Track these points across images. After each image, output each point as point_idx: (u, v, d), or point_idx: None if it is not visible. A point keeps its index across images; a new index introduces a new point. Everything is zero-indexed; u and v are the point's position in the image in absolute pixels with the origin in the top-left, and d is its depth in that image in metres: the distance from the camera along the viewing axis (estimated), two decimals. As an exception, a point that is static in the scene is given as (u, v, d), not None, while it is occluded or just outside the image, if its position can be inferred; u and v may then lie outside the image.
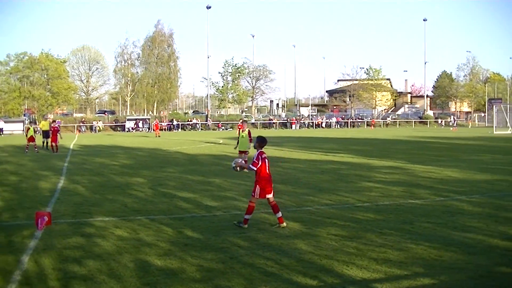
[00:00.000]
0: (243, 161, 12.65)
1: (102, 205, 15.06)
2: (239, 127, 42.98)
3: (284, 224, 11.94)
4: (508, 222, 12.17)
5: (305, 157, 30.25)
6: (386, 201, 15.25)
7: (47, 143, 38.26)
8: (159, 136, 62.26)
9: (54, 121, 40.60)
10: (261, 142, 12.41)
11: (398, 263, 8.94)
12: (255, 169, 11.92)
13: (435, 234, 11.04)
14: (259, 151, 12.17)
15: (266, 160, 12.13)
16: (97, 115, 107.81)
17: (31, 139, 37.17)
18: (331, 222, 12.33)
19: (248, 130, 24.28)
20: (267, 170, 12.06)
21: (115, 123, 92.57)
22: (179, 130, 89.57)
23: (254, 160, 11.98)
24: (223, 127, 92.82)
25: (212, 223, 12.40)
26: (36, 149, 37.03)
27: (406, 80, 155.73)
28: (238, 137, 24.69)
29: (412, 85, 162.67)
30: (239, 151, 24.07)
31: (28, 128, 38.58)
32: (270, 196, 12.01)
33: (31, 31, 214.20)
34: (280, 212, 12.01)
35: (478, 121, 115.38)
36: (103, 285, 8.10)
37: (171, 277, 8.40)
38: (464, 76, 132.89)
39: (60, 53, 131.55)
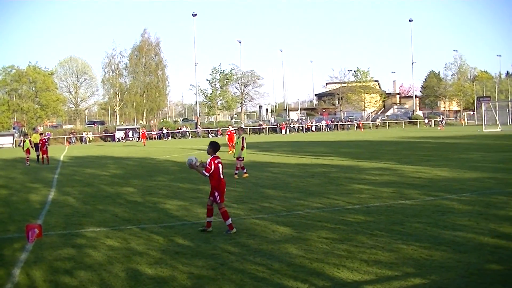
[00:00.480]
0: (197, 162, 12.62)
1: (93, 215, 15.04)
2: (228, 133, 43.23)
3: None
4: (498, 220, 12.22)
5: (295, 161, 30.28)
6: (377, 202, 15.28)
7: (40, 156, 38.14)
8: (144, 145, 62.45)
9: (41, 133, 40.57)
10: (214, 147, 12.59)
11: (389, 264, 8.98)
12: (207, 174, 12.10)
13: (425, 233, 11.08)
14: (213, 156, 12.36)
15: (220, 165, 12.35)
16: (86, 126, 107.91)
17: (28, 151, 37.42)
18: (321, 225, 12.35)
19: (242, 136, 24.26)
20: (221, 175, 12.33)
21: (104, 133, 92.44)
22: (169, 138, 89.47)
23: (207, 165, 12.15)
24: (213, 134, 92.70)
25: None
26: (28, 162, 36.87)
27: (394, 81, 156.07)
28: (235, 144, 24.64)
29: (401, 86, 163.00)
30: (237, 158, 23.99)
31: (24, 141, 38.90)
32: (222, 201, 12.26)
33: (17, 44, 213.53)
34: (230, 219, 12.12)
35: (467, 120, 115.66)
36: (94, 296, 8.12)
37: (162, 285, 8.41)
38: (452, 75, 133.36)
39: (47, 65, 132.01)
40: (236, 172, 23.50)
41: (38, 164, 37.05)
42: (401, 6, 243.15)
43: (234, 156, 24.48)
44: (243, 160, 23.98)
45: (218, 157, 12.39)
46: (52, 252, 10.83)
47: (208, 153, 12.56)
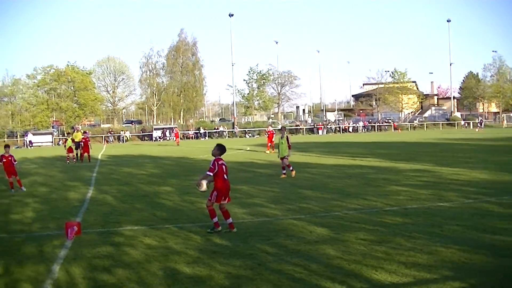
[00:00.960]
0: (200, 179, 12.78)
1: (130, 214, 15.19)
2: (268, 133, 43.27)
3: (235, 229, 12.31)
4: (539, 223, 12.03)
5: (332, 162, 30.14)
6: (415, 204, 15.15)
7: (79, 154, 38.66)
8: (177, 144, 62.89)
9: (84, 132, 41.32)
10: (220, 149, 12.73)
11: (427, 266, 8.89)
12: (211, 174, 12.22)
13: (464, 236, 10.95)
14: (216, 157, 12.48)
15: (224, 167, 12.48)
16: (124, 125, 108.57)
17: (70, 150, 37.91)
18: (359, 226, 12.28)
19: (287, 136, 24.12)
20: (225, 176, 12.45)
21: (142, 132, 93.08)
22: (206, 138, 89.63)
23: (210, 166, 12.28)
24: (250, 134, 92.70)
25: (240, 230, 12.40)
26: (68, 161, 37.56)
27: (432, 82, 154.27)
28: (278, 144, 24.44)
29: (438, 87, 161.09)
30: (281, 158, 23.86)
31: (66, 139, 39.30)
32: (224, 202, 12.46)
33: (56, 45, 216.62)
34: (230, 219, 12.42)
35: (506, 121, 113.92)
36: (132, 293, 8.18)
37: (199, 284, 8.44)
38: (490, 76, 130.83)
39: (85, 65, 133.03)
40: (291, 168, 23.35)
41: (78, 162, 37.55)
42: (439, 6, 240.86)
43: (278, 157, 24.23)
44: (288, 158, 23.76)
45: (221, 159, 12.56)
46: (91, 249, 10.94)
47: (213, 155, 12.67)
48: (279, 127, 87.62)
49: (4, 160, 21.96)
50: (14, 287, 8.73)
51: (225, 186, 12.42)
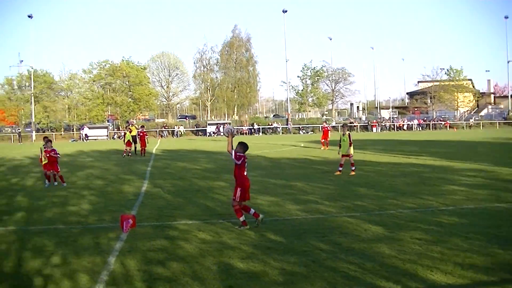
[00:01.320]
0: (234, 133, 13.07)
1: (185, 208, 15.31)
2: (323, 129, 43.10)
3: (260, 217, 12.59)
4: None
5: (387, 160, 29.81)
6: (471, 204, 14.90)
7: (135, 148, 39.21)
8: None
9: (142, 126, 41.85)
10: (244, 147, 12.98)
11: (485, 268, 8.73)
12: (232, 154, 12.67)
13: (523, 238, 10.73)
14: (242, 154, 12.71)
15: (246, 164, 12.83)
16: (178, 120, 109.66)
17: (128, 143, 38.58)
18: (414, 226, 12.13)
19: (349, 133, 23.83)
20: (245, 172, 12.76)
21: (196, 127, 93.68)
22: (260, 134, 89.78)
23: (238, 154, 12.65)
24: (304, 131, 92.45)
25: (294, 226, 12.40)
26: (124, 154, 38.32)
27: (488, 80, 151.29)
28: (339, 141, 24.15)
29: (495, 85, 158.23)
30: (342, 155, 23.76)
31: (125, 133, 39.84)
32: (247, 199, 12.75)
33: (111, 40, 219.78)
34: (252, 209, 12.74)
35: None
36: (186, 287, 8.23)
37: (254, 280, 8.46)
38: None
39: (140, 60, 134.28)
40: (353, 168, 23.20)
41: (135, 156, 38.03)
42: (496, 3, 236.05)
43: (339, 153, 24.06)
44: (351, 156, 23.59)
45: (245, 156, 12.89)
46: (146, 242, 11.07)
47: (237, 152, 12.81)
48: (333, 124, 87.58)
49: (48, 155, 21.75)
50: (72, 277, 8.89)
51: (247, 183, 12.72)
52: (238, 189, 12.49)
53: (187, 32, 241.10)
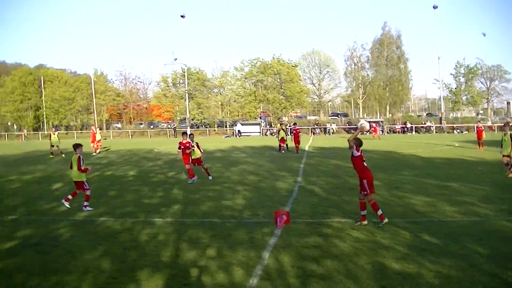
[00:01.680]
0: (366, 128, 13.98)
1: (338, 206, 15.29)
2: (478, 129, 41.66)
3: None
4: None
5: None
6: None
7: (287, 145, 39.79)
8: (373, 138, 62.32)
9: (295, 123, 42.40)
10: (359, 142, 13.22)
11: None
12: (354, 147, 13.06)
13: None
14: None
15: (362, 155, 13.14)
16: (330, 117, 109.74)
17: (282, 140, 39.36)
18: None
19: (510, 133, 22.86)
20: (364, 164, 13.00)
21: (348, 125, 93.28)
22: (413, 133, 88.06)
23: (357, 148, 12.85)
24: (458, 130, 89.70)
25: (450, 228, 12.05)
26: (280, 150, 39.11)
27: None
28: (501, 141, 23.29)
29: None
30: (503, 155, 23.00)
31: (279, 130, 40.56)
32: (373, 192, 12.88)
33: (263, 38, 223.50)
34: (380, 210, 12.65)
35: None
36: (340, 285, 8.23)
37: (408, 281, 8.33)
38: None
39: (290, 57, 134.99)
40: (511, 169, 22.30)
41: (286, 153, 38.49)
42: None
43: (500, 153, 23.21)
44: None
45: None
46: (299, 239, 11.15)
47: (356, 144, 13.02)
48: (489, 123, 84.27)
49: (183, 147, 22.10)
50: (227, 270, 9.14)
51: (370, 173, 12.90)
52: (364, 181, 12.58)
53: (337, 30, 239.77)
